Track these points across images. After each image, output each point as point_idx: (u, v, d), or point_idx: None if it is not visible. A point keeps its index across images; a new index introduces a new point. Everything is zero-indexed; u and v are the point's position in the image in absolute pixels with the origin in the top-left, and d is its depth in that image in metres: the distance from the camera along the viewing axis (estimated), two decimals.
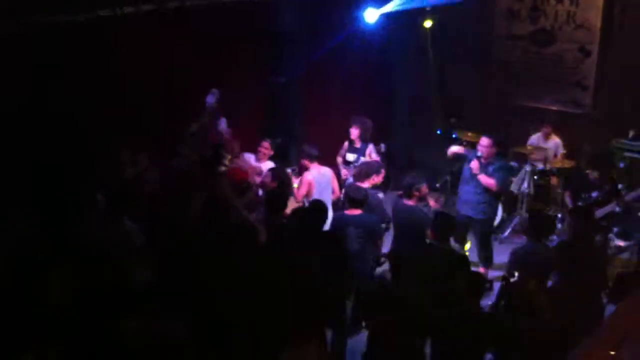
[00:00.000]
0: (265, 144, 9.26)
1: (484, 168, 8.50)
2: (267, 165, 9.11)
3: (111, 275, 5.66)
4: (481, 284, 5.75)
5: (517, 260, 6.53)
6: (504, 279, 6.20)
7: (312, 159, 8.74)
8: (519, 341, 5.39)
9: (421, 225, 7.35)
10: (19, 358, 5.01)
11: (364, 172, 8.45)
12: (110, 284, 5.56)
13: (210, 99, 9.06)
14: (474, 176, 8.56)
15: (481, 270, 8.64)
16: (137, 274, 5.88)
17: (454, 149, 8.99)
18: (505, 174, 8.89)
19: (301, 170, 9.09)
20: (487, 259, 8.92)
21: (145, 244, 6.48)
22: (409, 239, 7.51)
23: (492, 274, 8.72)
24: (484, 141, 8.55)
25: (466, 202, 8.78)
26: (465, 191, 8.78)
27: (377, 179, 8.38)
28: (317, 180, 8.61)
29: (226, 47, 9.40)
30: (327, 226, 7.49)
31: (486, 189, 8.53)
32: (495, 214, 9.31)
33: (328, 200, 8.45)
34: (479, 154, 8.53)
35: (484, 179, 8.45)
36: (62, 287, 5.60)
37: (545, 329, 5.40)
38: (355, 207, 7.38)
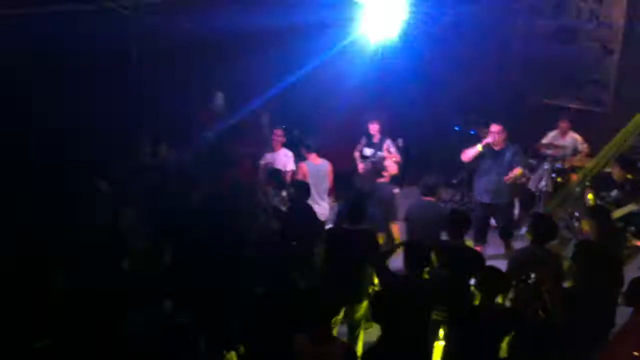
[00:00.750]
0: (278, 131, 9.37)
1: (498, 155, 8.70)
2: (283, 153, 9.24)
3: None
4: (499, 282, 5.70)
5: (515, 266, 6.48)
6: (522, 281, 6.17)
7: (309, 149, 8.89)
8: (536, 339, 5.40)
9: (440, 220, 7.44)
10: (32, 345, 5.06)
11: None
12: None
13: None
14: (492, 166, 8.78)
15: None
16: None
17: (471, 152, 8.98)
18: (522, 156, 9.02)
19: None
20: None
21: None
22: (427, 234, 7.47)
23: None
24: (495, 127, 8.71)
25: (487, 191, 8.92)
26: (486, 181, 8.91)
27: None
28: (312, 171, 8.76)
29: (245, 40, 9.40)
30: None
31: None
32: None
33: (323, 193, 8.92)
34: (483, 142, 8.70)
35: (510, 175, 8.68)
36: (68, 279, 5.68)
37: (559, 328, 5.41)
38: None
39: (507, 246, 9.13)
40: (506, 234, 8.95)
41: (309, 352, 5.10)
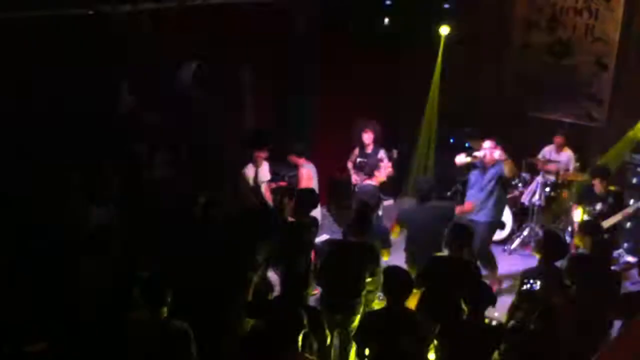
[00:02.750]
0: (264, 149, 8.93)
1: (485, 172, 8.63)
2: (267, 167, 8.98)
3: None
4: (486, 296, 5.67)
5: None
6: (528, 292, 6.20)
7: (299, 154, 8.78)
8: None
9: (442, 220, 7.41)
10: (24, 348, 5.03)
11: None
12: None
13: None
14: (477, 181, 8.70)
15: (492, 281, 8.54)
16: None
17: (462, 159, 8.92)
18: (500, 180, 8.76)
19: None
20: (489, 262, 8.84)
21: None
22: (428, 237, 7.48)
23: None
24: (487, 143, 8.61)
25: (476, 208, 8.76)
26: (469, 195, 8.84)
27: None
28: (313, 175, 8.80)
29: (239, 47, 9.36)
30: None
31: (489, 193, 8.60)
32: (499, 217, 9.22)
33: None
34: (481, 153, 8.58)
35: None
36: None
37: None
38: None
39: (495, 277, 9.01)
40: (483, 259, 8.71)
41: None
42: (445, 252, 6.85)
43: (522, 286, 6.34)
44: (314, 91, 10.47)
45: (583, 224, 8.11)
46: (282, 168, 9.38)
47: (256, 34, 8.92)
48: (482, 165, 8.64)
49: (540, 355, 5.49)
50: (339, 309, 6.64)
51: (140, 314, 5.22)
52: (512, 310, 6.24)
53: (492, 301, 5.71)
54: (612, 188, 8.50)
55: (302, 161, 8.86)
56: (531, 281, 6.30)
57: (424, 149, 11.56)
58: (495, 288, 8.04)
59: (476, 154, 8.64)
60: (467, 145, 11.11)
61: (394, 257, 7.66)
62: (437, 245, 7.13)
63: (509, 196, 9.98)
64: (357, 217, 7.05)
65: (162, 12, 8.01)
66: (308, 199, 7.58)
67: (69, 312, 5.52)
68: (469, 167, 8.89)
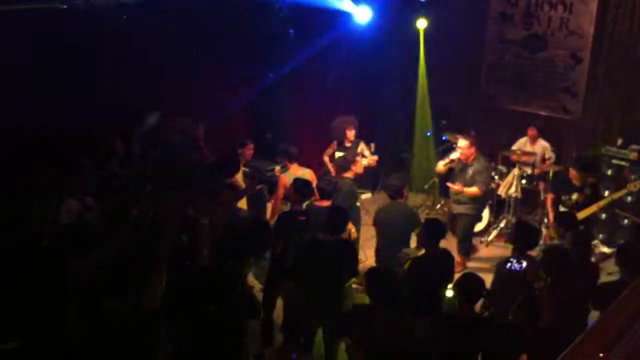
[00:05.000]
0: (251, 145, 8.97)
1: (465, 167, 8.96)
2: None
3: None
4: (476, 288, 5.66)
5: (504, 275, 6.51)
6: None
7: (291, 159, 8.69)
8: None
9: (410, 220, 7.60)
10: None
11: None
12: None
13: None
14: (458, 177, 9.05)
15: (458, 260, 8.92)
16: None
17: (441, 167, 9.32)
18: (485, 174, 9.12)
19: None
20: (467, 252, 9.46)
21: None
22: (397, 235, 7.59)
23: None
24: (462, 142, 9.00)
25: (452, 200, 9.28)
26: (455, 194, 9.19)
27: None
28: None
29: (215, 45, 9.31)
30: None
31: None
32: (479, 211, 9.69)
33: None
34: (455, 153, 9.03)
35: (468, 191, 8.90)
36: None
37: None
38: (324, 198, 7.56)
39: (462, 263, 9.22)
40: (464, 253, 9.35)
41: None
42: (411, 248, 7.04)
43: (502, 269, 6.39)
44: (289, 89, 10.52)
45: (558, 215, 8.19)
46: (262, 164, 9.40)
47: None
48: (460, 161, 9.01)
49: (520, 346, 5.52)
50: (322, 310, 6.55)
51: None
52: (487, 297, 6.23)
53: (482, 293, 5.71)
54: (589, 179, 8.56)
55: (292, 166, 8.70)
56: (513, 260, 6.36)
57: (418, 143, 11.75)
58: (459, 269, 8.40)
59: (452, 156, 9.07)
60: (443, 138, 11.19)
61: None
62: (405, 242, 7.46)
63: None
64: (332, 214, 6.90)
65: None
66: (305, 189, 7.52)
67: (44, 310, 5.42)
68: (450, 169, 9.27)
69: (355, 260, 6.94)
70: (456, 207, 9.25)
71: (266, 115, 10.76)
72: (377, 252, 7.94)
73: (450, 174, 9.32)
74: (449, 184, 9.11)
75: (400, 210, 7.74)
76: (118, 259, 5.61)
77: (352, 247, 7.02)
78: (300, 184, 7.52)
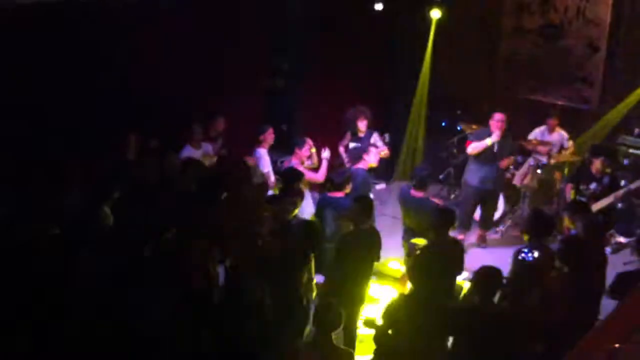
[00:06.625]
0: (270, 130, 9.02)
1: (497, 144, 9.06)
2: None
3: None
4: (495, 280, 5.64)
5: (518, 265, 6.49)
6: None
7: (300, 147, 8.80)
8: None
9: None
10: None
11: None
12: None
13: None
14: (497, 156, 9.10)
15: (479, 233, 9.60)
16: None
17: (478, 147, 9.16)
18: (512, 145, 9.50)
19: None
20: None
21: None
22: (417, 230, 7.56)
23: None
24: (499, 116, 9.04)
25: (491, 178, 9.26)
26: (488, 170, 9.20)
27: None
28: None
29: (229, 34, 9.32)
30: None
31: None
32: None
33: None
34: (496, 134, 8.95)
35: (504, 162, 9.30)
36: None
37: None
38: (335, 189, 7.57)
39: (483, 238, 9.34)
40: (487, 225, 9.59)
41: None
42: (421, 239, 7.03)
43: (516, 259, 6.38)
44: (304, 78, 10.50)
45: (571, 204, 8.15)
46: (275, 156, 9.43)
47: None
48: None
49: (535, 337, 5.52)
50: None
51: None
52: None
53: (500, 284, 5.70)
54: (607, 170, 8.51)
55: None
56: (526, 251, 6.34)
57: (413, 133, 11.63)
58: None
59: (495, 133, 8.98)
60: (459, 128, 11.15)
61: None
62: (419, 233, 7.36)
63: None
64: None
65: None
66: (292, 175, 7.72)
67: (54, 308, 5.42)
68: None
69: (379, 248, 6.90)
70: (492, 184, 9.36)
71: (281, 106, 10.76)
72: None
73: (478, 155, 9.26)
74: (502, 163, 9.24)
75: (421, 205, 7.67)
76: None
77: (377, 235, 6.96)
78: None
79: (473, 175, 9.30)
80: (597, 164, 8.42)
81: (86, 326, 5.19)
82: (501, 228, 10.21)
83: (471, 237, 9.68)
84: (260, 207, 6.98)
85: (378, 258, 6.87)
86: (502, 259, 8.56)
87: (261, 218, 6.72)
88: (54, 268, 5.53)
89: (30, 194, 6.59)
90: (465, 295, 6.48)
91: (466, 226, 9.44)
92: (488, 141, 8.99)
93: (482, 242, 9.71)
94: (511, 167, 10.05)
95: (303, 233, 6.39)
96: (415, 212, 7.76)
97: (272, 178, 8.75)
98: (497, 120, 8.98)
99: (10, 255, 5.53)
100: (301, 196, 7.49)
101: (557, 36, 11.12)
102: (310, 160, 8.94)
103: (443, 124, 11.84)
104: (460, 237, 9.06)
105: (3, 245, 5.68)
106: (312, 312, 5.80)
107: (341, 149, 10.09)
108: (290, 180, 7.65)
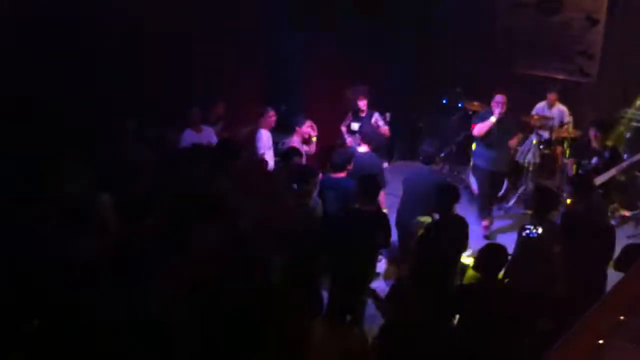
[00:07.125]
0: (271, 112, 8.97)
1: (502, 124, 9.01)
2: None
3: None
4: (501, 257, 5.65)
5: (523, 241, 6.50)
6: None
7: (300, 125, 8.85)
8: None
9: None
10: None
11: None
12: None
13: None
14: (502, 137, 9.06)
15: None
16: None
17: (483, 128, 9.07)
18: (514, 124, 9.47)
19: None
20: None
21: None
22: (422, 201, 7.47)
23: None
24: (500, 97, 8.99)
25: (500, 160, 9.25)
26: (494, 152, 9.15)
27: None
28: None
29: (229, 12, 9.28)
30: None
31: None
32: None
33: None
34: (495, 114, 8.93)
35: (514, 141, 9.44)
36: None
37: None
38: (337, 170, 7.50)
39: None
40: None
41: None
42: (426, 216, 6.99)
43: (522, 233, 6.38)
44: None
45: (573, 179, 8.15)
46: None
47: None
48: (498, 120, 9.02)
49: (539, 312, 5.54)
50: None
51: None
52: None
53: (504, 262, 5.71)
54: (608, 143, 8.49)
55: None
56: (530, 227, 6.35)
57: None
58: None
59: (498, 112, 8.92)
60: (459, 105, 11.13)
61: None
62: (426, 210, 7.21)
63: None
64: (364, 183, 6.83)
65: None
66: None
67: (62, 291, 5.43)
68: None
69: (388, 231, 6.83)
70: (503, 165, 9.42)
71: (281, 87, 10.72)
72: (398, 215, 7.84)
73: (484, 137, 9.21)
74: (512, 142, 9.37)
75: (428, 177, 7.64)
76: None
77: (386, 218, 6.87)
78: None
79: (481, 159, 9.29)
80: (593, 137, 8.42)
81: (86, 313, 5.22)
82: (504, 205, 10.21)
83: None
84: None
85: None
86: (507, 235, 8.68)
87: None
88: (55, 256, 5.54)
89: (30, 183, 6.58)
90: (469, 272, 6.49)
91: (487, 211, 9.36)
92: (492, 119, 8.96)
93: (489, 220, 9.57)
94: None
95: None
96: (421, 181, 7.70)
97: (271, 162, 8.72)
98: (497, 102, 8.96)
99: (10, 243, 5.55)
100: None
101: (556, 10, 11.07)
102: (309, 146, 8.92)
103: (444, 101, 11.80)
104: (484, 223, 9.14)
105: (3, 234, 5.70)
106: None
107: (343, 129, 10.08)
108: (290, 157, 7.67)
